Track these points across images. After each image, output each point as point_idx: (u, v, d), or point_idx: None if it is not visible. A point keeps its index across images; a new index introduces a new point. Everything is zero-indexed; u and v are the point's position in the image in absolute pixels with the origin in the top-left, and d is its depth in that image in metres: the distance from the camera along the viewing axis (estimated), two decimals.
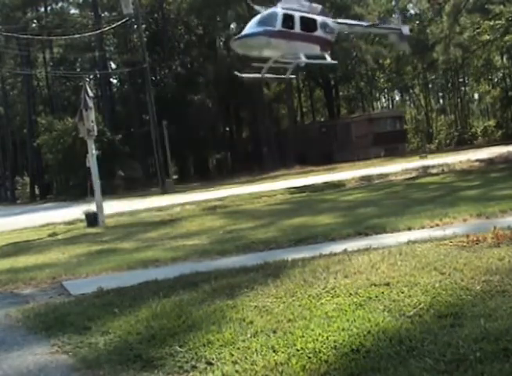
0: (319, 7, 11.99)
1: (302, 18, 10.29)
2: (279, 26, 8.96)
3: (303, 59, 7.73)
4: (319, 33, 10.68)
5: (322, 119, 62.11)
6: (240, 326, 4.58)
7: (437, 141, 55.61)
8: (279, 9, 9.10)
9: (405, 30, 20.94)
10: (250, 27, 9.03)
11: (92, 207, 17.17)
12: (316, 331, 4.22)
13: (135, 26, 45.36)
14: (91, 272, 8.24)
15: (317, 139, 50.24)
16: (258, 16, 8.37)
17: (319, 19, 10.87)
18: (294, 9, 10.04)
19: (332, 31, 11.15)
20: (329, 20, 12.75)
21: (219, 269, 6.96)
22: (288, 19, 9.85)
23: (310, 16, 10.56)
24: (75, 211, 18.94)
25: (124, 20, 41.55)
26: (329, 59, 7.62)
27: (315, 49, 9.72)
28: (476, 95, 66.45)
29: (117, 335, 4.80)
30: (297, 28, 9.97)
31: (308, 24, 10.44)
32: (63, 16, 58.86)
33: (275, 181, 29.81)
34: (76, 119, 19.29)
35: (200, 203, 20.46)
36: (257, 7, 10.66)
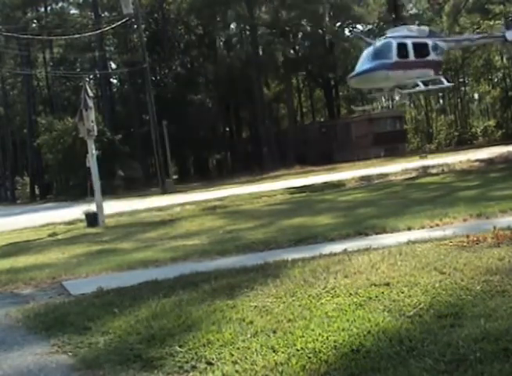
0: (426, 29, 11.68)
1: (415, 45, 10.05)
2: (395, 57, 8.76)
3: (421, 86, 7.54)
4: (431, 56, 10.48)
5: (322, 119, 62.10)
6: (240, 326, 4.58)
7: (437, 141, 55.61)
8: (392, 39, 8.83)
9: (510, 35, 20.31)
10: (365, 61, 8.71)
11: (92, 207, 17.17)
12: (316, 331, 4.22)
13: (135, 26, 45.34)
14: (91, 272, 8.24)
15: (317, 139, 50.25)
16: (372, 49, 8.11)
17: (430, 42, 10.65)
18: (405, 36, 9.75)
19: (442, 52, 10.95)
20: (439, 40, 12.46)
21: (219, 269, 6.96)
22: (402, 49, 9.62)
23: (421, 40, 10.32)
24: (75, 211, 18.94)
25: (124, 20, 41.53)
26: (445, 82, 7.42)
27: (430, 74, 9.54)
28: (476, 95, 66.42)
29: (117, 335, 4.80)
30: (412, 56, 9.76)
31: (421, 50, 10.20)
32: (63, 16, 58.84)
33: (275, 181, 29.81)
34: (76, 119, 19.29)
35: (199, 203, 20.46)
36: (368, 39, 10.24)
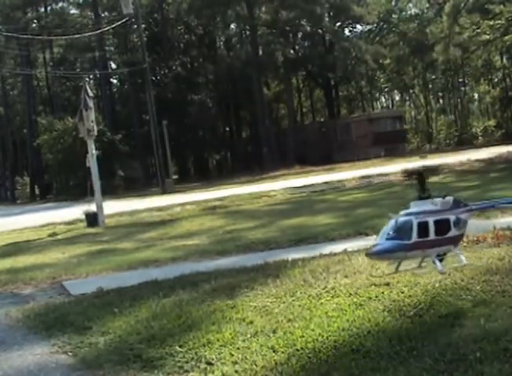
0: (450, 200, 11.47)
1: (436, 223, 9.92)
2: (414, 238, 8.66)
3: (439, 267, 7.45)
4: (452, 232, 10.30)
5: (322, 119, 62.08)
6: (240, 326, 4.58)
7: (437, 141, 55.59)
8: (413, 218, 8.72)
9: None
10: (385, 236, 8.61)
11: (92, 207, 17.17)
12: (316, 331, 4.22)
13: (135, 26, 45.30)
14: (91, 272, 8.25)
15: (317, 139, 50.21)
16: (393, 224, 8.00)
17: (452, 217, 10.47)
18: (427, 212, 9.62)
19: (465, 224, 10.73)
20: (462, 211, 12.17)
21: (219, 269, 6.97)
22: (422, 228, 9.49)
23: (444, 217, 10.14)
24: (75, 211, 18.93)
25: (124, 20, 41.49)
26: (462, 258, 7.31)
27: (450, 249, 9.38)
28: (476, 95, 66.40)
29: (117, 335, 4.80)
30: (432, 235, 9.61)
31: (442, 227, 10.05)
32: (63, 16, 58.76)
33: (275, 181, 29.79)
34: (76, 119, 19.29)
35: (199, 203, 20.45)
36: (391, 214, 10.12)
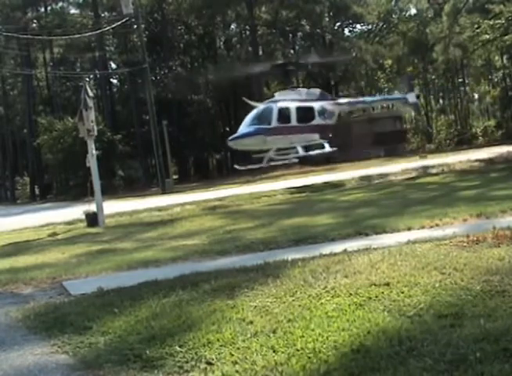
0: (317, 92, 11.38)
1: (298, 109, 9.84)
2: (274, 122, 8.66)
3: (300, 152, 7.51)
4: (317, 121, 10.27)
5: None
6: (240, 326, 4.58)
7: (437, 141, 55.58)
8: (274, 104, 8.72)
9: (412, 97, 20.42)
10: (246, 124, 8.59)
11: (92, 208, 17.17)
12: (316, 331, 4.23)
13: (135, 26, 45.32)
14: (91, 272, 8.24)
15: None
16: (254, 112, 8.02)
17: (317, 106, 10.37)
18: (292, 99, 9.56)
19: (332, 115, 10.72)
20: (329, 104, 12.18)
21: (219, 269, 6.96)
22: (284, 113, 9.42)
23: (307, 105, 10.06)
24: (75, 211, 18.93)
25: (124, 20, 41.51)
26: (328, 147, 7.39)
27: (314, 138, 9.37)
28: (476, 95, 66.42)
29: (117, 335, 4.80)
30: (294, 121, 9.56)
31: (306, 114, 9.98)
32: (63, 16, 58.80)
33: (275, 181, 29.80)
34: (76, 119, 19.30)
35: (199, 203, 20.44)
36: (252, 102, 10.06)
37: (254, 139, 7.48)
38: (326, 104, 11.16)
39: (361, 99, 15.69)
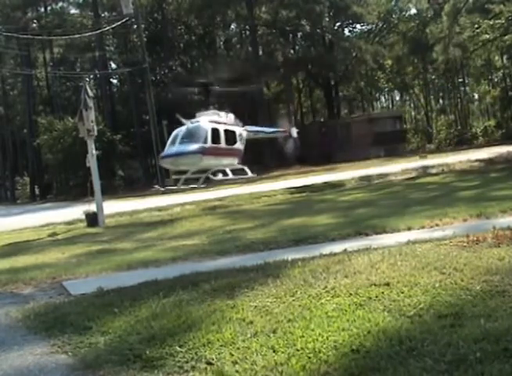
0: (232, 116, 11.36)
1: (226, 132, 9.80)
2: (209, 142, 8.55)
3: (230, 175, 7.53)
4: (237, 145, 10.11)
5: (322, 119, 62.08)
6: (240, 326, 4.58)
7: (437, 141, 55.59)
8: (206, 123, 8.59)
9: (294, 132, 21.89)
10: (179, 142, 8.32)
11: (92, 208, 17.17)
12: (316, 331, 4.23)
13: (135, 26, 45.31)
14: (91, 272, 8.25)
15: (317, 139, 50.20)
16: (185, 130, 7.79)
17: (237, 130, 10.34)
18: (216, 121, 9.52)
19: (244, 141, 10.73)
20: (243, 129, 12.34)
21: (219, 269, 6.96)
22: (216, 134, 9.32)
23: (230, 128, 10.05)
24: (75, 211, 18.94)
25: (124, 20, 41.49)
26: (249, 172, 7.38)
27: (235, 162, 9.29)
28: (476, 95, 66.43)
29: (117, 335, 4.80)
30: (223, 143, 9.45)
31: (230, 137, 9.93)
32: (63, 16, 58.78)
33: (275, 181, 29.81)
34: (76, 119, 19.29)
35: (199, 203, 20.44)
36: (183, 119, 9.95)
37: (192, 158, 7.38)
38: (242, 130, 11.27)
39: (260, 128, 16.25)
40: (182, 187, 11.04)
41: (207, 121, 9.32)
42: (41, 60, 61.62)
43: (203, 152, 8.00)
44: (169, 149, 7.82)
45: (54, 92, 58.38)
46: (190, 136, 8.26)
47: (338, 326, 4.28)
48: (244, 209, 16.97)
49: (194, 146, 7.59)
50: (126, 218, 18.31)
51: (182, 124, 10.71)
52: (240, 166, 8.49)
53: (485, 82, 61.99)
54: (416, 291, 4.94)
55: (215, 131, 8.97)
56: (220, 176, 9.31)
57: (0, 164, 65.02)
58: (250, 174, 7.34)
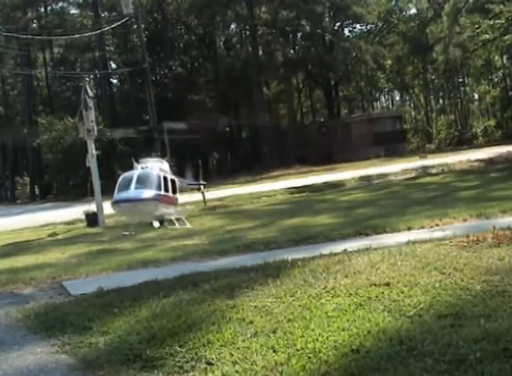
0: (167, 164, 11.34)
1: (169, 180, 9.62)
2: (162, 189, 8.36)
3: (177, 225, 7.45)
4: (177, 194, 9.93)
5: (322, 119, 62.09)
6: (240, 326, 4.58)
7: (437, 141, 55.60)
8: (157, 170, 8.45)
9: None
10: (130, 187, 8.07)
11: (92, 208, 17.17)
12: (316, 331, 4.22)
13: (135, 26, 45.30)
14: (91, 272, 8.25)
15: (317, 138, 50.22)
16: (136, 175, 7.58)
17: (176, 179, 10.19)
18: (161, 169, 9.38)
19: (185, 188, 10.56)
20: (182, 179, 12.27)
21: (219, 269, 6.97)
22: (164, 182, 9.09)
23: (171, 176, 9.92)
24: (75, 211, 18.94)
25: (124, 20, 41.48)
26: (187, 223, 7.32)
27: (172, 211, 9.07)
28: (476, 95, 66.42)
29: (117, 335, 4.80)
30: (170, 191, 9.24)
31: (171, 186, 9.76)
32: (63, 16, 58.76)
33: (275, 181, 29.81)
34: (76, 119, 19.29)
35: (199, 203, 20.44)
36: (135, 163, 9.76)
37: (149, 205, 7.23)
38: (176, 179, 11.32)
39: (183, 179, 16.05)
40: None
41: (157, 168, 9.15)
42: (41, 60, 61.60)
43: (159, 199, 7.87)
44: (123, 193, 7.57)
45: (54, 92, 58.37)
46: (143, 182, 8.05)
47: (338, 326, 4.28)
48: (244, 209, 16.97)
49: (150, 193, 7.39)
50: (126, 218, 18.28)
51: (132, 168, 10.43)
52: (178, 216, 8.32)
53: (485, 82, 61.97)
54: (416, 291, 4.94)
55: (164, 179, 8.82)
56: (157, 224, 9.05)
57: (0, 164, 65.02)
58: (188, 225, 7.32)
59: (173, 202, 8.02)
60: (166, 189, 8.00)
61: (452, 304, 4.51)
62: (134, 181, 7.54)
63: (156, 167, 9.00)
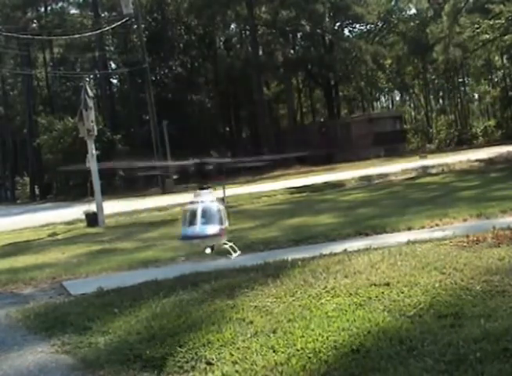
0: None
1: (223, 211, 10.07)
2: (224, 223, 8.64)
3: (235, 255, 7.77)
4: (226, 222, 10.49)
5: (322, 119, 62.10)
6: (240, 326, 4.58)
7: (437, 141, 55.59)
8: (216, 203, 8.68)
9: None
10: (196, 222, 8.28)
11: (92, 207, 17.17)
12: (316, 331, 4.22)
13: (135, 26, 45.30)
14: (91, 272, 8.25)
15: (317, 139, 50.22)
16: (200, 209, 7.85)
17: (221, 207, 10.78)
18: (215, 200, 9.72)
19: None
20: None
21: (219, 269, 6.97)
22: (222, 215, 9.57)
23: (222, 207, 10.33)
24: (75, 211, 18.93)
25: (124, 20, 41.47)
26: (238, 251, 7.55)
27: (225, 239, 9.34)
28: (476, 95, 66.41)
29: (117, 335, 4.80)
30: (224, 222, 9.82)
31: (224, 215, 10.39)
32: (63, 16, 58.75)
33: (275, 181, 29.80)
34: (76, 119, 19.30)
35: None
36: (194, 198, 10.15)
37: (214, 239, 7.35)
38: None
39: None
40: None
41: (214, 200, 9.47)
42: (41, 60, 61.59)
43: (222, 234, 8.12)
44: (190, 229, 7.80)
45: (54, 92, 58.37)
46: (206, 217, 8.31)
47: (338, 326, 4.28)
48: (244, 209, 16.96)
49: (215, 229, 7.68)
50: (126, 218, 18.30)
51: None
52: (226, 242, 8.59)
53: (485, 82, 61.98)
54: (416, 291, 4.94)
55: (220, 212, 9.15)
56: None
57: (0, 164, 65.01)
58: (238, 252, 7.52)
59: (226, 232, 8.34)
60: (222, 222, 8.28)
61: (452, 304, 4.51)
62: (199, 216, 7.86)
63: (212, 199, 9.23)
